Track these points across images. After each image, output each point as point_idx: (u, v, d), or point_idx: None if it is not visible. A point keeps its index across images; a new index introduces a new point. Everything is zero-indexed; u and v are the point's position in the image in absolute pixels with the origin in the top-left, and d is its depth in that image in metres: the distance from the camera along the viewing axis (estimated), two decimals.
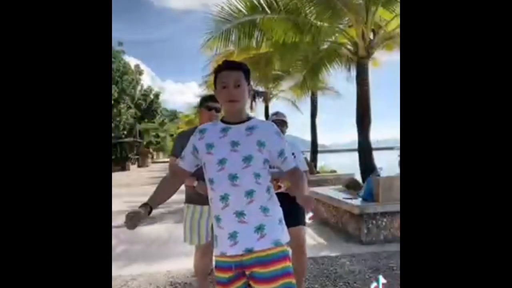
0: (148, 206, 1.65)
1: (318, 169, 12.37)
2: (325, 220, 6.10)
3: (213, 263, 1.77)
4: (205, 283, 2.93)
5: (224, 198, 1.60)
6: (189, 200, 2.82)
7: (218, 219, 1.63)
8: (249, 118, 1.73)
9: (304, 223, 3.02)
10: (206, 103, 2.77)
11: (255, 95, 16.82)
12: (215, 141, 1.67)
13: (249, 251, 1.57)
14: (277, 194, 2.67)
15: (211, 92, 2.62)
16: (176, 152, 2.79)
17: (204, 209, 2.75)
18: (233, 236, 1.58)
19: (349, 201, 5.31)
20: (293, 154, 2.93)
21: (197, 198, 2.68)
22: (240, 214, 1.58)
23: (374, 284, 2.24)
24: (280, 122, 3.08)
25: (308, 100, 13.69)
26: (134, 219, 1.56)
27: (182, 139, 2.82)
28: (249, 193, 1.59)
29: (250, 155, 1.60)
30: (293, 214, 2.86)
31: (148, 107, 44.64)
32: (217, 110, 2.72)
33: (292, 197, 2.87)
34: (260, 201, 1.61)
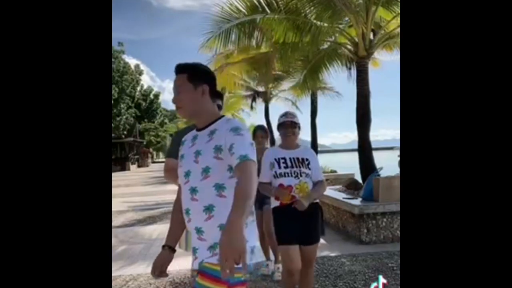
0: (168, 247, 1.63)
1: None
2: (325, 220, 6.10)
3: None
4: None
5: (186, 212, 1.54)
6: None
7: (187, 232, 1.61)
8: (216, 120, 1.57)
9: (320, 237, 2.82)
10: None
11: (255, 95, 16.79)
12: (186, 151, 1.60)
13: (200, 263, 1.49)
14: (294, 210, 2.55)
15: None
16: (173, 153, 2.72)
17: None
18: (194, 252, 1.53)
19: (349, 201, 5.32)
20: (307, 160, 2.72)
21: None
22: (199, 231, 1.50)
23: (374, 284, 2.23)
24: (290, 124, 2.76)
25: (308, 100, 13.68)
26: (161, 267, 1.59)
27: (179, 139, 2.72)
28: (208, 208, 1.46)
29: (207, 166, 1.47)
30: (312, 231, 2.71)
31: (148, 107, 44.69)
32: (219, 107, 2.66)
33: (310, 213, 2.70)
34: (220, 219, 1.42)
